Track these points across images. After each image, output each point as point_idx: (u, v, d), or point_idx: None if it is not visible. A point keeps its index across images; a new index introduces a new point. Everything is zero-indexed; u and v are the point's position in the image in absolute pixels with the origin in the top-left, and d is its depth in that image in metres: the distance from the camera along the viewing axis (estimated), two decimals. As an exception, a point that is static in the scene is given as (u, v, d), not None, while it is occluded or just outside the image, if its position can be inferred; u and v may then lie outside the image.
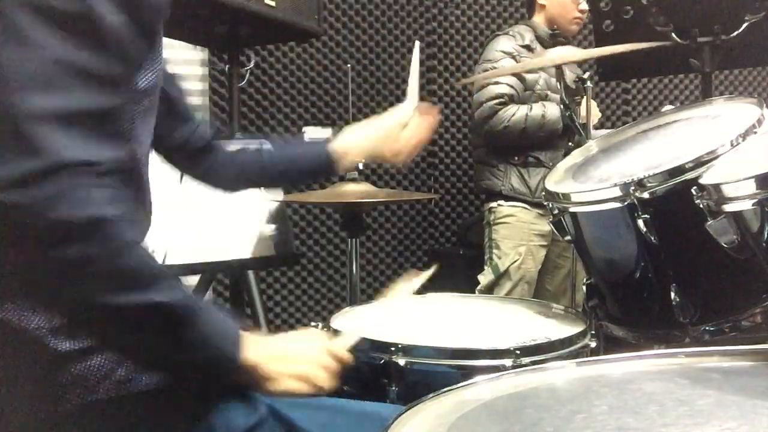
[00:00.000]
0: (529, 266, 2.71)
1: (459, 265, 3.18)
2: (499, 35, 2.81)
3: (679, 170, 1.27)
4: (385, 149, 1.47)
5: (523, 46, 2.71)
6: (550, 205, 1.50)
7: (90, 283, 0.79)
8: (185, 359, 0.89)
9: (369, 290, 3.44)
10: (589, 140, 1.81)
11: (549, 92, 2.72)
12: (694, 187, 1.21)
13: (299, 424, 0.97)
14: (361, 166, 1.88)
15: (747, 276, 1.24)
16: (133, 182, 0.94)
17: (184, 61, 3.08)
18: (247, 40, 2.48)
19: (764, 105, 1.38)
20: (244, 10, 2.10)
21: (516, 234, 2.72)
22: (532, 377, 0.85)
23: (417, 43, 1.61)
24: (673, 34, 2.14)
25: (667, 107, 2.68)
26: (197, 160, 1.30)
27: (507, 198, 2.73)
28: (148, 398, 0.91)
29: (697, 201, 1.19)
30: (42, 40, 0.77)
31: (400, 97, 3.48)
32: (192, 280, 2.33)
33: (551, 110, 2.64)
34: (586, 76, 2.12)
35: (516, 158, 2.70)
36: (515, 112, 2.62)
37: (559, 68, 2.11)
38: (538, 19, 2.80)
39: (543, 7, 2.78)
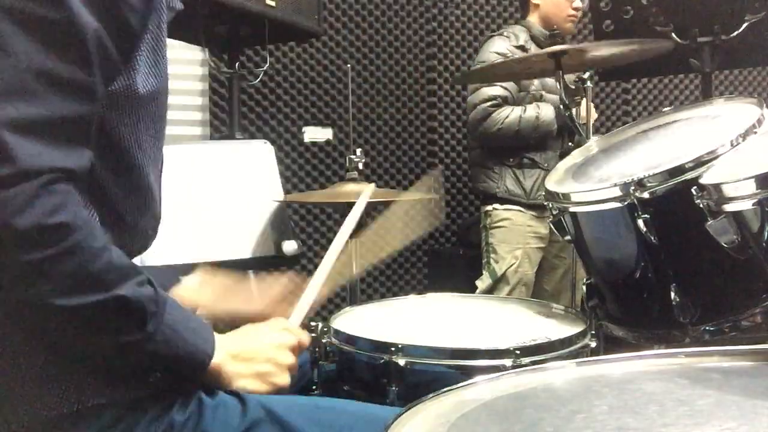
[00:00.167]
0: (525, 269, 2.71)
1: (459, 266, 3.19)
2: (493, 36, 2.81)
3: (679, 170, 1.27)
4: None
5: (517, 47, 2.71)
6: (550, 205, 1.50)
7: (52, 286, 0.80)
8: (153, 354, 0.89)
9: (369, 290, 3.44)
10: (589, 140, 1.81)
11: (544, 92, 2.71)
12: (694, 187, 1.21)
13: (295, 426, 0.97)
14: (361, 166, 1.88)
15: (747, 276, 1.23)
16: (135, 186, 0.94)
17: (184, 61, 3.08)
18: (247, 40, 2.48)
19: (764, 105, 1.38)
20: (244, 10, 2.10)
21: (512, 237, 2.72)
22: (532, 377, 0.85)
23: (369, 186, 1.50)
24: (673, 34, 2.15)
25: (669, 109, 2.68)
26: None
27: (502, 201, 2.73)
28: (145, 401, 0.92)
29: (697, 201, 1.19)
30: (19, 47, 0.77)
31: (400, 97, 3.51)
32: (192, 280, 2.33)
33: (545, 111, 2.64)
34: (586, 76, 2.12)
35: (511, 160, 2.70)
36: (509, 114, 2.62)
37: (558, 69, 2.10)
38: (533, 18, 2.80)
39: (537, 6, 2.78)
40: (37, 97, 0.78)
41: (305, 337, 1.11)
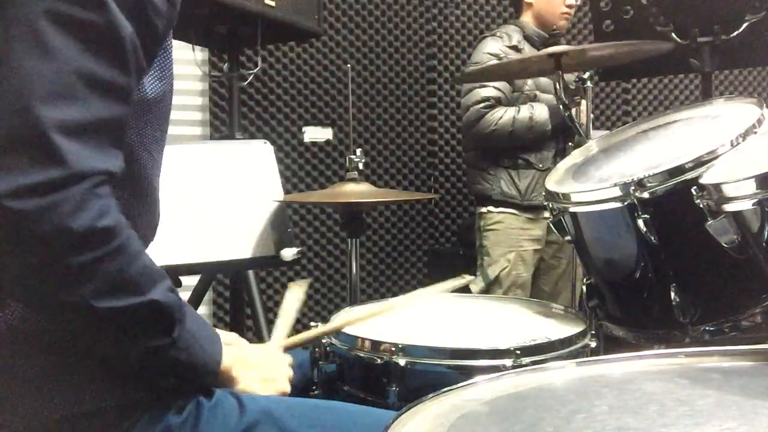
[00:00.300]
0: (520, 271, 2.71)
1: (459, 266, 3.18)
2: (486, 36, 2.80)
3: (679, 170, 1.27)
4: None
5: (510, 47, 2.70)
6: (550, 205, 1.50)
7: (94, 288, 0.81)
8: (175, 359, 0.90)
9: (369, 290, 3.44)
10: (589, 140, 1.81)
11: (538, 92, 2.71)
12: (694, 187, 1.21)
13: (294, 428, 0.97)
14: (361, 166, 1.88)
15: (747, 276, 1.23)
16: (141, 190, 0.95)
17: (184, 61, 3.08)
18: (247, 40, 2.48)
19: (764, 105, 1.38)
20: (244, 10, 2.10)
21: (505, 241, 2.72)
22: (532, 377, 0.85)
23: (301, 283, 1.53)
24: (673, 34, 2.14)
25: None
26: None
27: (497, 203, 2.73)
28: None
29: (697, 201, 1.19)
30: (63, 49, 0.78)
31: (400, 97, 3.51)
32: (192, 280, 2.33)
33: (539, 111, 2.63)
34: (586, 76, 2.12)
35: (506, 161, 2.70)
36: (502, 115, 2.62)
37: (558, 69, 2.10)
38: (526, 18, 2.79)
39: (530, 5, 2.77)
40: (81, 100, 0.79)
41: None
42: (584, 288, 1.54)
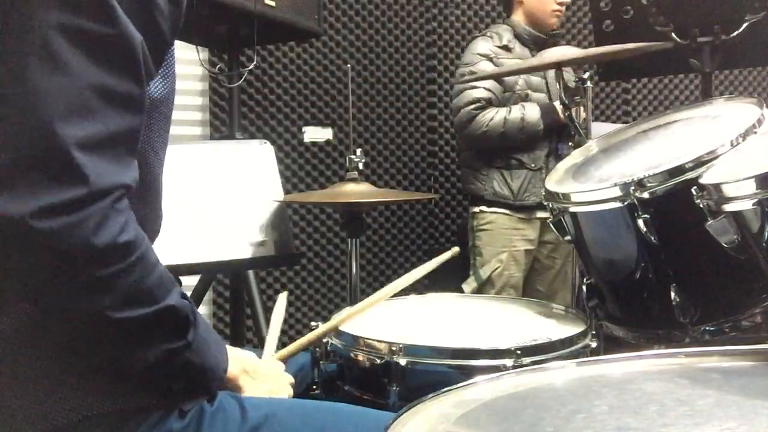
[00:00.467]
0: (512, 272, 2.71)
1: (459, 266, 3.18)
2: (476, 37, 2.80)
3: (679, 170, 1.27)
4: None
5: (501, 47, 2.70)
6: (550, 205, 1.50)
7: (113, 300, 0.81)
8: (188, 362, 0.91)
9: (369, 290, 3.43)
10: (589, 140, 1.81)
11: (529, 92, 2.70)
12: (694, 187, 1.21)
13: (295, 430, 0.98)
14: (361, 166, 1.88)
15: (747, 276, 1.24)
16: (148, 190, 0.95)
17: (184, 61, 3.08)
18: (247, 40, 2.48)
19: (764, 105, 1.38)
20: (244, 10, 2.10)
21: (497, 241, 2.72)
22: (533, 377, 0.85)
23: (282, 295, 1.56)
24: (673, 34, 2.15)
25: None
26: None
27: (489, 203, 2.73)
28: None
29: (697, 201, 1.19)
30: (76, 64, 0.78)
31: (400, 97, 3.51)
32: (192, 280, 2.33)
33: (531, 112, 2.63)
34: (586, 76, 2.12)
35: (498, 161, 2.70)
36: (493, 116, 2.62)
37: (558, 69, 2.10)
38: (517, 16, 2.78)
39: (521, 3, 2.76)
40: (97, 114, 0.79)
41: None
42: (584, 288, 1.55)
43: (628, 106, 3.84)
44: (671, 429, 0.65)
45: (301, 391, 1.26)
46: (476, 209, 2.78)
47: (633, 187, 1.29)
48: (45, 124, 0.75)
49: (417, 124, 3.54)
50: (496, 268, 2.69)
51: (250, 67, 2.44)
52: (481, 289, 2.70)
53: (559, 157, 2.70)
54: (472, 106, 2.63)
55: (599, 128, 2.37)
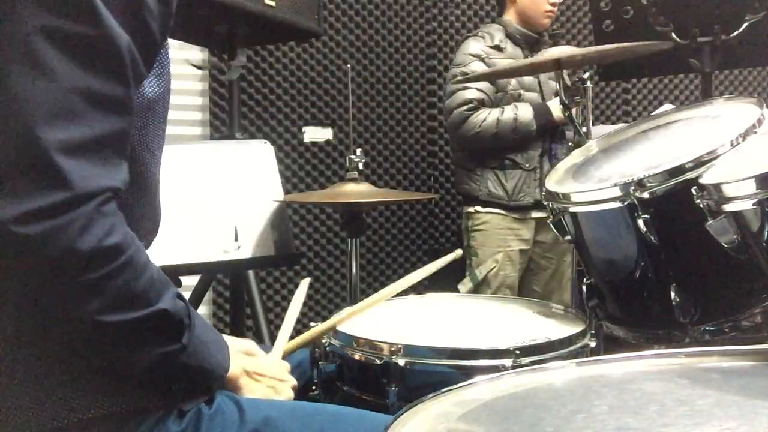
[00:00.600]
0: (508, 272, 2.71)
1: (458, 265, 3.18)
2: (468, 37, 2.79)
3: (679, 170, 1.27)
4: None
5: (492, 47, 2.69)
6: (550, 205, 1.50)
7: (102, 304, 0.81)
8: (184, 365, 0.91)
9: (369, 290, 3.44)
10: (588, 140, 1.81)
11: (522, 91, 2.70)
12: (694, 187, 1.21)
13: None
14: (361, 166, 1.88)
15: (747, 276, 1.24)
16: (144, 190, 0.95)
17: (184, 61, 3.08)
18: (247, 40, 2.48)
19: (764, 105, 1.38)
20: (244, 10, 2.10)
21: (492, 241, 2.72)
22: (532, 377, 0.85)
23: (304, 282, 1.53)
24: (673, 34, 2.15)
25: (667, 106, 2.68)
26: None
27: (484, 204, 2.73)
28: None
29: (697, 201, 1.19)
30: (59, 68, 0.77)
31: (400, 97, 3.51)
32: (192, 280, 2.33)
33: (523, 112, 2.62)
34: (586, 76, 2.12)
35: (492, 161, 2.69)
36: (486, 117, 2.61)
37: (558, 68, 2.10)
38: (509, 16, 2.77)
39: (513, 2, 2.75)
40: (82, 117, 0.78)
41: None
42: (584, 288, 1.54)
43: (628, 106, 3.84)
44: (671, 429, 0.65)
45: (300, 391, 1.26)
46: (471, 209, 2.78)
47: (633, 187, 1.29)
48: (28, 129, 0.75)
49: (417, 124, 3.54)
50: (492, 269, 2.69)
51: (236, 62, 2.38)
52: (477, 289, 2.70)
53: (553, 157, 2.71)
54: (465, 107, 2.63)
55: (599, 131, 2.37)
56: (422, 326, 1.45)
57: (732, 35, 2.09)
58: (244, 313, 2.42)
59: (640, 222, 1.29)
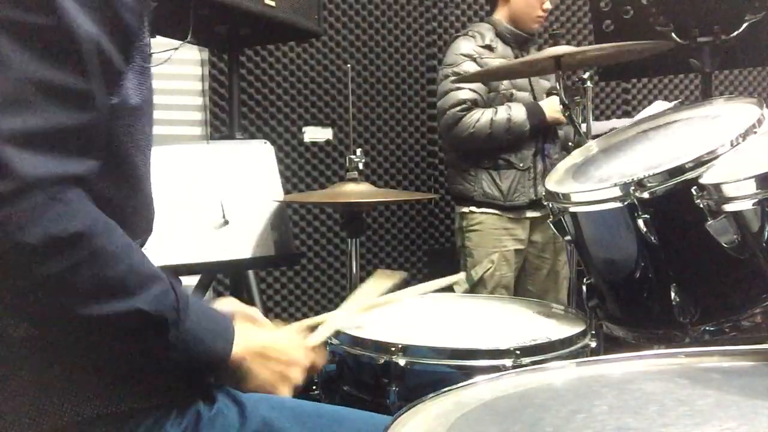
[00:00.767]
0: (504, 272, 2.70)
1: (458, 265, 3.18)
2: (458, 37, 2.78)
3: (679, 170, 1.27)
4: None
5: (483, 47, 2.68)
6: (550, 205, 1.50)
7: (73, 296, 0.79)
8: (174, 360, 0.89)
9: (369, 290, 3.44)
10: (588, 140, 1.82)
11: (514, 91, 2.69)
12: (694, 187, 1.21)
13: None
14: (361, 166, 1.88)
15: (747, 276, 1.24)
16: (134, 186, 0.94)
17: (184, 61, 3.08)
18: (247, 40, 2.48)
19: (764, 105, 1.38)
20: (244, 10, 2.10)
21: (487, 241, 2.71)
22: (532, 377, 0.85)
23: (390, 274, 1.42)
24: (673, 34, 2.15)
25: (659, 103, 2.67)
26: None
27: (479, 204, 2.72)
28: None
29: (697, 201, 1.19)
30: (14, 58, 0.76)
31: (400, 97, 3.51)
32: (192, 280, 2.33)
33: (517, 112, 2.62)
34: (586, 76, 2.12)
35: (486, 162, 2.69)
36: (479, 118, 2.60)
37: (558, 69, 2.11)
38: (499, 15, 2.76)
39: (506, 2, 2.74)
40: (35, 108, 0.77)
41: (320, 360, 1.10)
42: (584, 288, 1.55)
43: (628, 106, 3.84)
44: (671, 429, 0.65)
45: (301, 391, 1.25)
46: (465, 209, 2.77)
47: (633, 187, 1.29)
48: None
49: (417, 124, 3.54)
50: (488, 269, 2.69)
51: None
52: (473, 290, 2.69)
53: (546, 157, 2.71)
54: (458, 108, 2.62)
55: (598, 127, 2.37)
56: (422, 326, 1.45)
57: (732, 35, 2.09)
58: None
59: (640, 222, 1.29)
